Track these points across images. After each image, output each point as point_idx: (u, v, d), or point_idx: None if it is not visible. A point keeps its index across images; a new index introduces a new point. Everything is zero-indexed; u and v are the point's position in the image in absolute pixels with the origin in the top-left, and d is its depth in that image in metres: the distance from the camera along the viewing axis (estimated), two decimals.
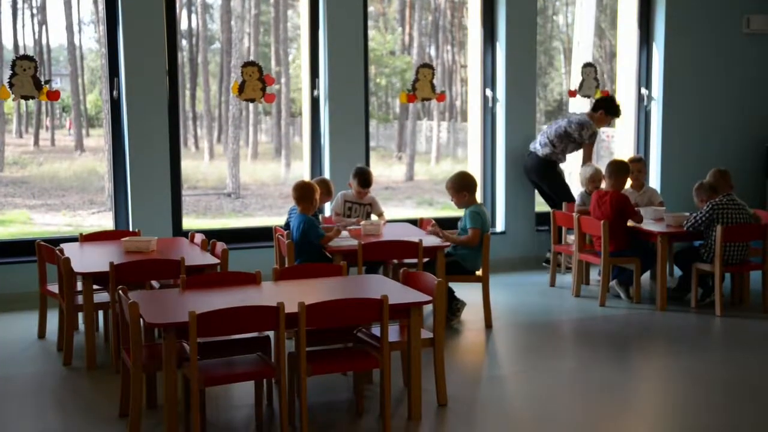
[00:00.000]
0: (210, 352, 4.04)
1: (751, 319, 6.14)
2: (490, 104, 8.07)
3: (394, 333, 4.38)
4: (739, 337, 5.76)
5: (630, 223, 6.49)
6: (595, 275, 7.16)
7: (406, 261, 5.82)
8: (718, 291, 6.17)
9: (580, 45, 12.60)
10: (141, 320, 3.70)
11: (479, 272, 5.92)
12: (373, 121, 21.32)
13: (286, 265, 5.47)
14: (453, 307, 5.93)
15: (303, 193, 5.56)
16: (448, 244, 5.81)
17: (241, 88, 7.08)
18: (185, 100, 20.27)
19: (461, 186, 5.94)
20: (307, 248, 5.56)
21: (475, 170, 8.24)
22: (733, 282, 6.59)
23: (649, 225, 6.52)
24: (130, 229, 6.63)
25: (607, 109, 7.62)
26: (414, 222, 6.82)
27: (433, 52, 22.47)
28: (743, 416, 4.28)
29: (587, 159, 7.54)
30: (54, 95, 6.63)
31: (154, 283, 5.33)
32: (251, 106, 18.62)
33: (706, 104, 8.58)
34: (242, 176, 17.80)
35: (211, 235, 6.34)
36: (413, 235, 5.92)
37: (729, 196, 6.25)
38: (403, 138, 21.14)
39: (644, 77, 8.59)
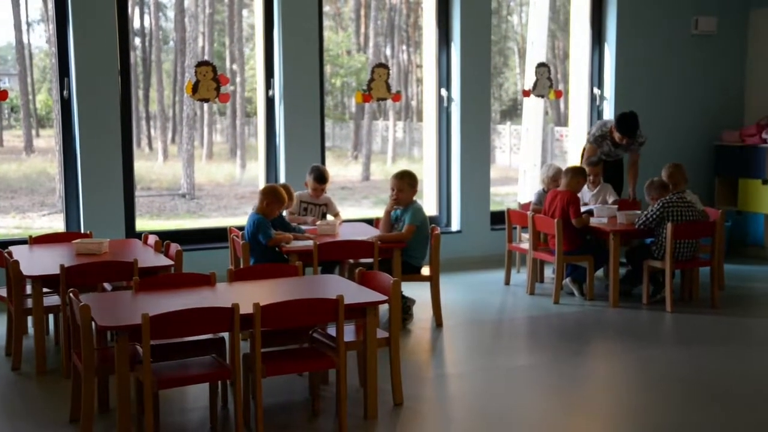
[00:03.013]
0: (164, 355, 4.00)
1: (701, 315, 6.26)
2: (446, 104, 8.11)
3: (349, 333, 4.38)
4: (689, 333, 5.87)
5: (575, 222, 6.49)
6: (549, 273, 7.24)
7: (362, 261, 5.82)
8: (669, 287, 6.28)
9: (534, 45, 12.71)
10: (93, 323, 3.65)
11: (426, 270, 5.94)
12: (329, 121, 21.28)
13: (242, 266, 5.43)
14: (404, 305, 5.93)
15: (261, 192, 5.57)
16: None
17: (194, 88, 7.00)
18: (138, 100, 20.02)
19: (416, 183, 5.95)
20: (258, 248, 5.54)
21: (431, 170, 8.28)
22: (683, 278, 6.72)
23: (601, 223, 6.61)
24: (82, 231, 6.53)
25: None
26: (370, 222, 6.83)
27: (388, 52, 22.50)
28: (696, 412, 4.35)
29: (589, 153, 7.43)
30: (2, 95, 6.50)
31: (107, 285, 5.26)
32: (206, 106, 18.45)
33: (656, 103, 8.72)
34: (197, 177, 17.62)
35: (165, 236, 6.27)
36: (369, 234, 5.92)
37: (679, 194, 6.37)
38: (359, 138, 21.15)
39: (596, 77, 8.70)
